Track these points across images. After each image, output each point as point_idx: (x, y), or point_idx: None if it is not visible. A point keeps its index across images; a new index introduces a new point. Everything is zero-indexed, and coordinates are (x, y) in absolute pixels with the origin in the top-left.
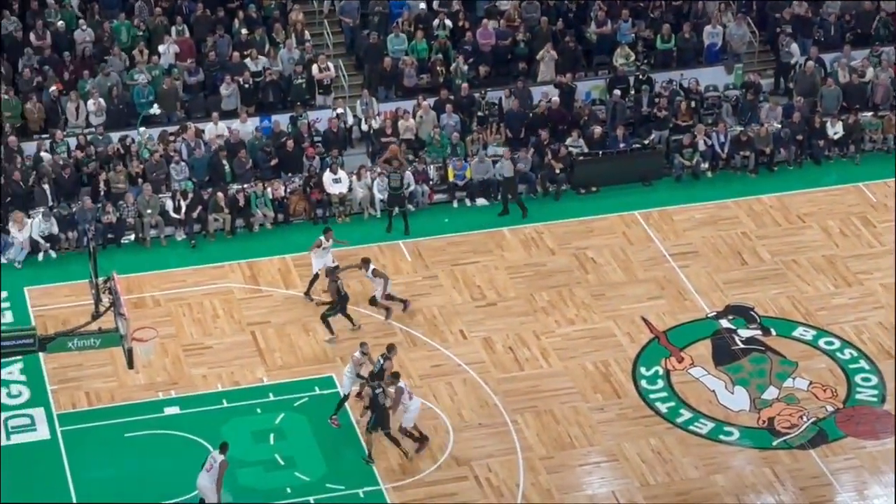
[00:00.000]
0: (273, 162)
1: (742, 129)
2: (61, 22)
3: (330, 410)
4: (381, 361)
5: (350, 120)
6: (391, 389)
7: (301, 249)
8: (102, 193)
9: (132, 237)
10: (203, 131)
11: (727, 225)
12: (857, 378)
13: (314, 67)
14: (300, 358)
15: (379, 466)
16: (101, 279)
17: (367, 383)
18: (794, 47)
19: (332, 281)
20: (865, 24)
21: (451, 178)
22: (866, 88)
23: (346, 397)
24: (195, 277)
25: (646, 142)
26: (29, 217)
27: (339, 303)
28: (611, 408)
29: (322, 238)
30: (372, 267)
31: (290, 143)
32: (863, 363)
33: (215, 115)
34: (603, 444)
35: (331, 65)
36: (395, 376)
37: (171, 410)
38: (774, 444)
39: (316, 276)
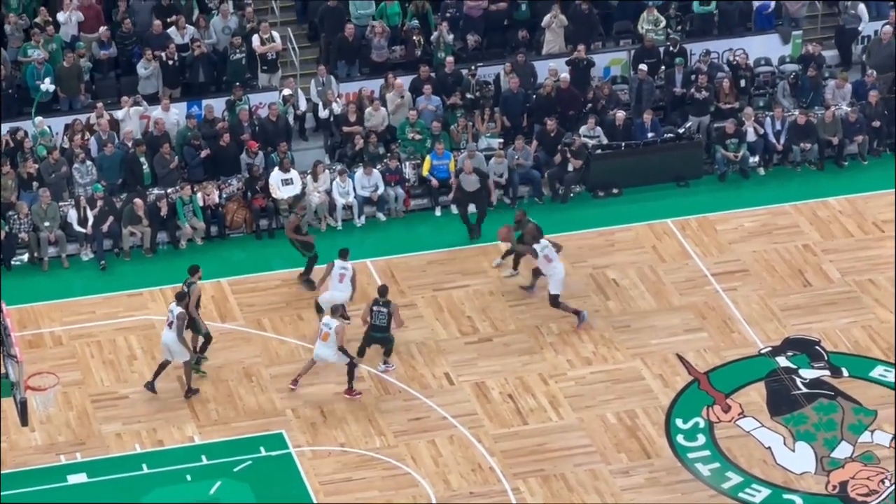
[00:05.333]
0: (204, 153)
1: (799, 114)
2: None
3: (278, 475)
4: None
5: (303, 105)
6: None
7: (240, 270)
8: None
9: (25, 257)
10: (118, 121)
11: (785, 236)
12: None
13: (255, 38)
14: (241, 410)
15: None
16: None
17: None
18: (862, 9)
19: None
20: None
21: (425, 173)
22: None
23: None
24: (106, 308)
25: (680, 130)
26: None
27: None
28: (639, 471)
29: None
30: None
31: (227, 137)
32: None
33: (126, 98)
34: None
35: (276, 35)
36: None
37: (76, 478)
38: None
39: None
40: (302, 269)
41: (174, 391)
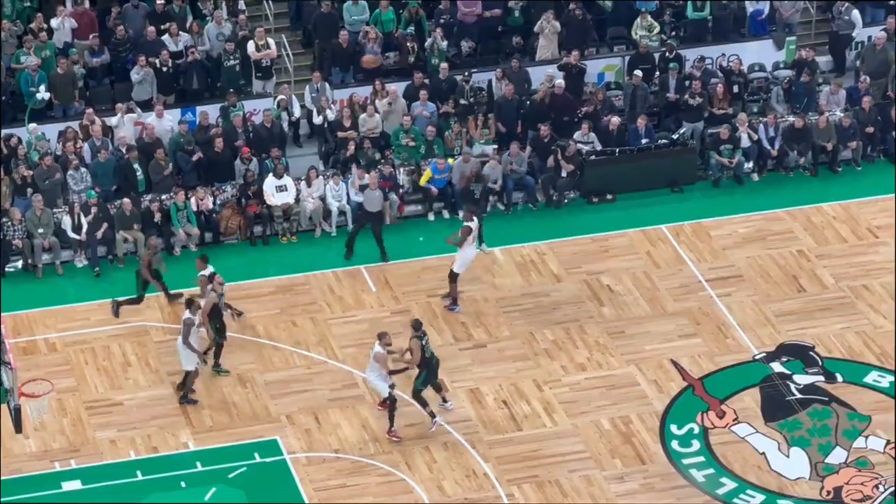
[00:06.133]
0: (196, 156)
1: (796, 118)
2: None
3: (272, 481)
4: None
5: (297, 111)
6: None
7: (235, 276)
8: None
9: (19, 264)
10: (111, 127)
11: (779, 241)
12: None
13: (250, 45)
14: (235, 417)
15: None
16: None
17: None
18: (856, 15)
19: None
20: None
21: (423, 183)
22: None
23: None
24: (100, 314)
25: (674, 136)
26: None
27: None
28: (633, 477)
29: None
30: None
31: (220, 143)
32: None
33: (121, 105)
34: None
35: (271, 41)
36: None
37: (70, 485)
38: None
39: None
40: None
41: (168, 397)
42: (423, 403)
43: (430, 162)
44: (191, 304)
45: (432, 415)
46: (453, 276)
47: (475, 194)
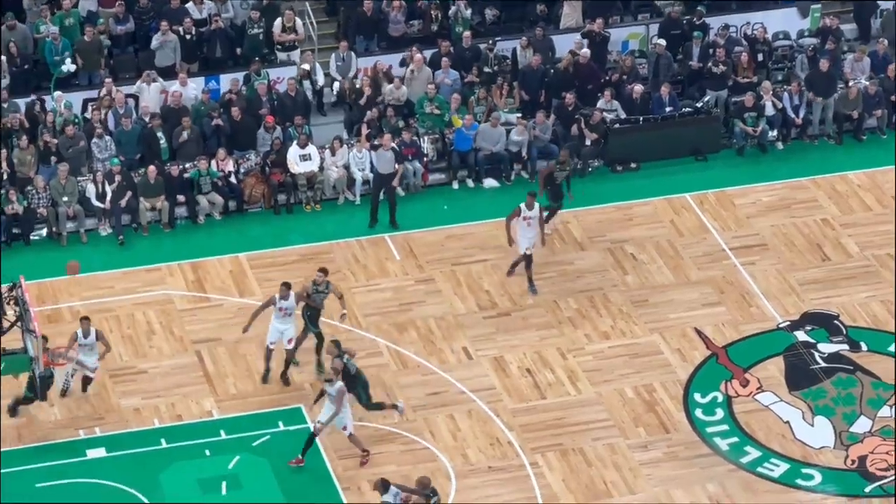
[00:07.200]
0: (215, 122)
1: (822, 60)
2: None
3: (297, 449)
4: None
5: (321, 79)
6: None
7: (259, 245)
8: (5, 176)
9: (44, 232)
10: (134, 96)
11: (803, 210)
12: None
13: (276, 24)
14: (259, 385)
15: None
16: (4, 286)
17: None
18: None
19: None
20: None
21: (459, 125)
22: None
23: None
24: (125, 283)
25: (698, 104)
26: None
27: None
28: (657, 445)
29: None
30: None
31: (236, 111)
32: None
33: (147, 73)
34: (647, 491)
35: (299, 23)
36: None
37: (95, 453)
38: (867, 490)
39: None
40: None
41: (193, 366)
42: (382, 407)
43: (462, 119)
44: (284, 285)
45: (394, 406)
46: (529, 261)
47: (557, 181)
